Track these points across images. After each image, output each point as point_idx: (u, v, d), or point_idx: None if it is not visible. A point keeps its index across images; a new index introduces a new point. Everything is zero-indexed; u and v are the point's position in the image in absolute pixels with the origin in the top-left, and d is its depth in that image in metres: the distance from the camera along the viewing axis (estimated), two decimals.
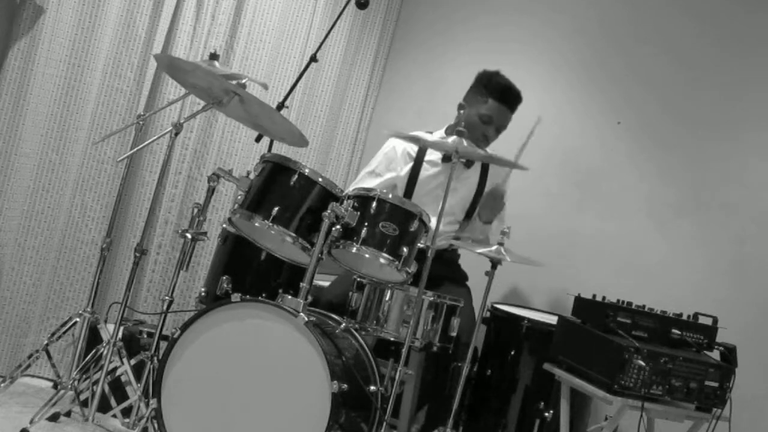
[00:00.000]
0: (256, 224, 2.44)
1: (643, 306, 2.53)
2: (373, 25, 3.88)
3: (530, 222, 3.33)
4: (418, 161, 3.06)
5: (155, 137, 2.58)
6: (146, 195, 3.28)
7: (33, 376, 3.11)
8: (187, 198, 3.42)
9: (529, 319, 2.88)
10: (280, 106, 3.02)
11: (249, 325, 2.31)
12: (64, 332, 2.66)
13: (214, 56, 2.75)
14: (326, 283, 3.02)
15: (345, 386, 2.21)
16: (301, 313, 2.25)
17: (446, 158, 3.01)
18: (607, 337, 2.39)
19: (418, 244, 2.47)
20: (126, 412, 2.58)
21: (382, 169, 3.09)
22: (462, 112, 3.04)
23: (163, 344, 2.45)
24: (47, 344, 2.66)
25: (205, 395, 2.31)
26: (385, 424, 2.32)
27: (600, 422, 2.99)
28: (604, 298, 2.53)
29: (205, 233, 2.60)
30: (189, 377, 2.34)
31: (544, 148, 3.41)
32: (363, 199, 2.47)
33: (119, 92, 3.22)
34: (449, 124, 3.13)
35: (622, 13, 3.43)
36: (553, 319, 2.79)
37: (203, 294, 2.78)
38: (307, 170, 2.47)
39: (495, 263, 2.54)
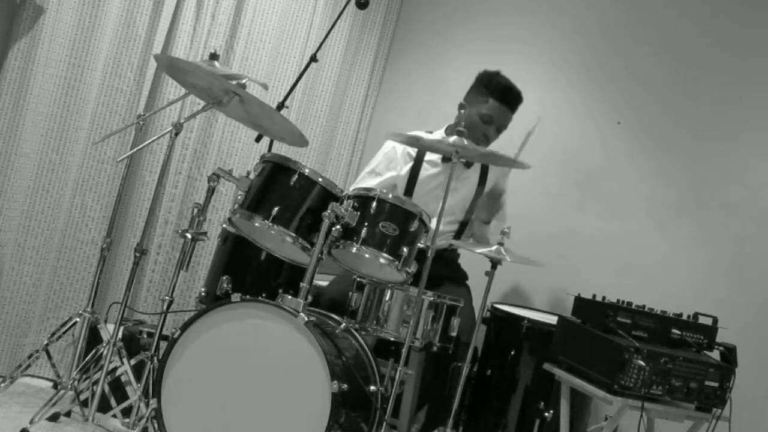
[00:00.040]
0: (256, 224, 2.44)
1: (643, 306, 2.53)
2: (373, 25, 3.88)
3: (530, 222, 3.33)
4: (418, 161, 3.06)
5: (155, 137, 2.58)
6: (146, 195, 3.28)
7: (33, 376, 3.11)
8: (187, 198, 3.42)
9: (529, 319, 2.88)
10: (280, 106, 3.02)
11: (249, 325, 2.31)
12: (64, 332, 2.65)
13: (214, 56, 2.75)
14: (325, 283, 3.02)
15: (345, 386, 2.21)
16: (301, 313, 2.25)
17: (446, 158, 3.01)
18: (607, 337, 2.39)
19: (418, 244, 2.47)
20: (126, 412, 2.58)
21: (382, 168, 3.10)
22: (462, 111, 3.04)
23: (163, 344, 2.45)
24: (47, 344, 2.66)
25: (205, 395, 2.31)
26: (385, 424, 2.32)
27: (600, 422, 2.99)
28: (604, 298, 2.53)
29: (205, 233, 2.60)
30: (189, 377, 2.34)
31: (544, 148, 3.41)
32: (363, 199, 2.47)
33: (119, 92, 3.22)
34: (449, 124, 3.13)
35: (622, 13, 3.43)
36: (553, 319, 2.79)
37: (203, 294, 2.78)
38: (307, 170, 2.47)
39: (495, 263, 2.54)
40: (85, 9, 3.09)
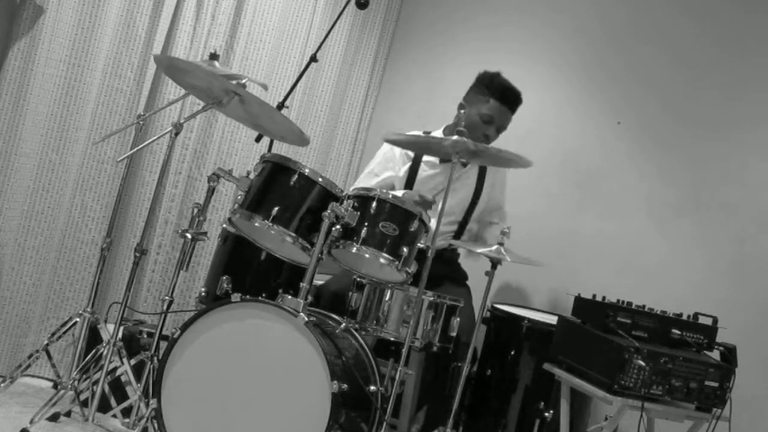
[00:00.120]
0: (256, 224, 2.44)
1: (643, 306, 2.53)
2: (373, 25, 3.88)
3: (530, 222, 3.33)
4: (416, 162, 3.06)
5: (155, 137, 2.58)
6: (146, 195, 3.28)
7: (33, 376, 3.11)
8: (187, 198, 3.42)
9: (529, 319, 2.88)
10: (280, 106, 3.02)
11: (249, 325, 2.31)
12: (64, 332, 2.65)
13: (214, 56, 2.75)
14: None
15: (345, 386, 2.21)
16: (301, 313, 2.25)
17: (444, 159, 3.01)
18: (607, 337, 2.39)
19: (418, 244, 2.47)
20: (126, 412, 2.57)
21: (380, 168, 3.11)
22: (462, 112, 3.04)
23: (163, 344, 2.45)
24: (47, 344, 2.66)
25: (205, 395, 2.31)
26: (385, 424, 2.32)
27: (600, 422, 2.99)
28: (604, 298, 2.53)
29: (205, 233, 2.60)
30: (189, 377, 2.34)
31: (544, 148, 3.42)
32: (363, 199, 2.47)
33: (119, 92, 3.22)
34: (447, 124, 3.13)
35: (622, 13, 3.43)
36: (553, 319, 2.79)
37: (203, 294, 2.78)
38: (307, 170, 2.47)
39: (495, 263, 2.54)
40: (85, 9, 3.09)
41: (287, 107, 3.07)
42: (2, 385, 2.63)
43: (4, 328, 3.08)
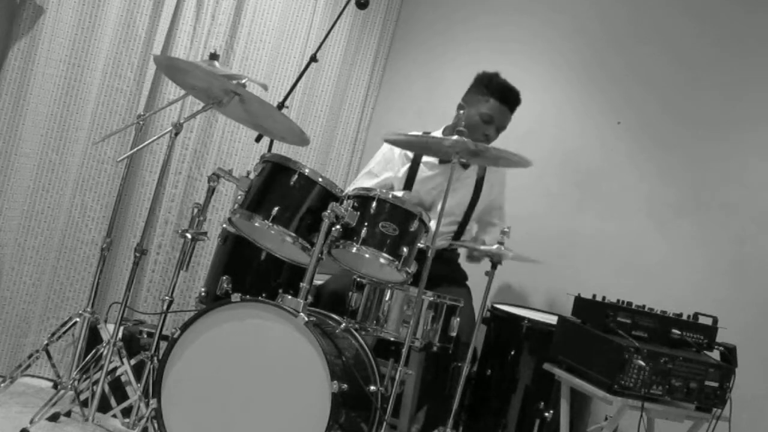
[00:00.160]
0: (256, 224, 2.44)
1: (643, 306, 2.53)
2: (373, 25, 3.88)
3: (530, 222, 3.33)
4: (416, 162, 3.06)
5: (155, 137, 2.57)
6: (146, 195, 3.28)
7: (33, 376, 3.11)
8: (187, 198, 3.42)
9: (529, 319, 2.88)
10: (280, 106, 3.02)
11: (249, 325, 2.31)
12: (64, 332, 2.65)
13: (214, 56, 2.75)
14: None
15: (345, 386, 2.21)
16: (301, 313, 2.25)
17: (444, 160, 3.01)
18: (607, 337, 2.39)
19: (418, 244, 2.47)
20: (126, 412, 2.57)
21: (379, 169, 3.10)
22: (462, 112, 3.03)
23: (163, 344, 2.45)
24: (47, 344, 2.66)
25: (205, 395, 2.31)
26: (385, 424, 2.32)
27: (600, 422, 2.99)
28: (604, 298, 2.53)
29: (205, 233, 2.60)
30: (189, 377, 2.34)
31: (544, 148, 3.42)
32: (363, 199, 2.47)
33: (119, 92, 3.22)
34: (447, 125, 3.13)
35: (622, 13, 3.43)
36: (553, 319, 2.79)
37: (203, 294, 2.78)
38: (307, 170, 2.47)
39: (495, 263, 2.54)
40: (85, 9, 3.09)
41: (287, 107, 3.07)
42: (2, 385, 2.63)
43: (4, 328, 3.08)
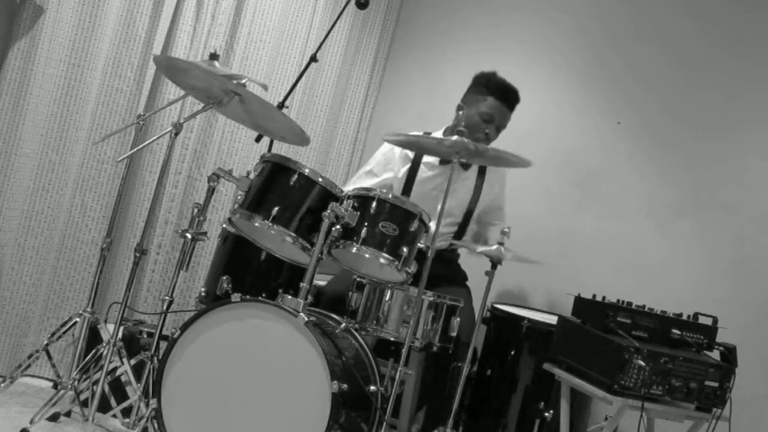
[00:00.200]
0: (256, 224, 2.44)
1: (643, 306, 2.53)
2: (373, 25, 3.88)
3: (530, 222, 3.33)
4: (416, 163, 3.06)
5: (155, 137, 2.57)
6: (146, 195, 3.28)
7: (33, 376, 3.11)
8: (187, 198, 3.42)
9: (529, 319, 2.88)
10: (281, 106, 3.01)
11: (249, 325, 2.31)
12: (64, 332, 2.65)
13: (214, 56, 2.75)
14: (325, 283, 3.02)
15: (345, 386, 2.21)
16: (301, 313, 2.25)
17: (444, 160, 3.01)
18: (607, 337, 2.39)
19: (418, 244, 2.47)
20: (126, 412, 2.58)
21: (379, 169, 3.10)
22: (461, 113, 3.03)
23: (163, 344, 2.45)
24: (47, 344, 2.65)
25: (205, 395, 2.31)
26: (385, 424, 2.32)
27: (600, 422, 2.99)
28: (604, 298, 2.53)
29: (205, 233, 2.60)
30: (189, 377, 2.34)
31: (544, 148, 3.42)
32: (363, 199, 2.47)
33: (119, 92, 3.22)
34: (447, 125, 3.13)
35: (622, 13, 3.43)
36: (553, 319, 2.79)
37: (203, 294, 2.78)
38: (307, 170, 2.47)
39: (495, 263, 2.54)
40: (85, 9, 3.09)
41: (287, 107, 3.07)
42: (2, 385, 2.63)
43: (4, 328, 3.08)
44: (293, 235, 2.43)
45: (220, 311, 2.34)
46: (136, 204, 3.29)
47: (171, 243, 3.39)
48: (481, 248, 2.59)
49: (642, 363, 2.32)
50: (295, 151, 3.57)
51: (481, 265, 2.63)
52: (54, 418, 2.57)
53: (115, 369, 2.56)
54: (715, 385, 2.42)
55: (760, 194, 3.02)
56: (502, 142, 3.01)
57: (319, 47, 3.09)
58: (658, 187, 3.24)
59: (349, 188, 3.02)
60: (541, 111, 3.46)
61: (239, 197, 2.52)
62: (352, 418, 2.31)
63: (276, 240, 2.56)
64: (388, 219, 2.44)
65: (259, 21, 3.50)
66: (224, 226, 2.80)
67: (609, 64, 3.42)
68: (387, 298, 2.55)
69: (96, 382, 2.50)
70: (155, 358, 2.50)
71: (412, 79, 3.90)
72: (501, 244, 2.55)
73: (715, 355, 2.53)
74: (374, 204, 2.45)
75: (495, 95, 2.97)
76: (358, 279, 2.62)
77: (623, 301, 2.51)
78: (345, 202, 2.46)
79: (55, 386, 2.86)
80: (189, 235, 2.54)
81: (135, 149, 2.52)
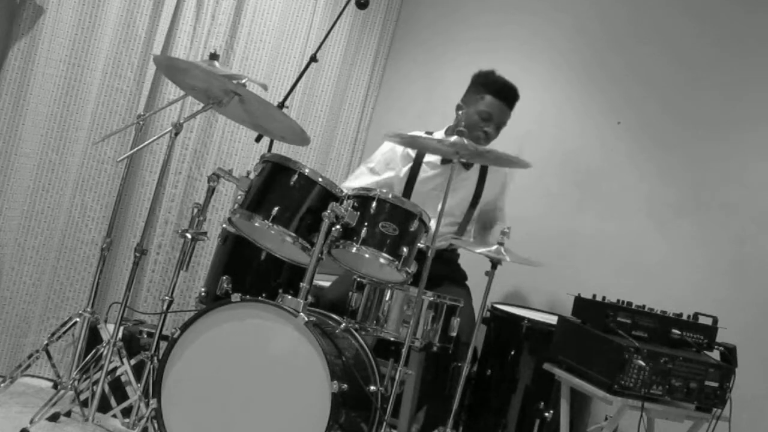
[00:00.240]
0: (256, 224, 2.44)
1: (643, 306, 2.53)
2: (373, 25, 3.88)
3: (530, 222, 3.33)
4: (417, 162, 3.06)
5: (155, 137, 2.58)
6: (146, 195, 3.28)
7: (33, 376, 3.11)
8: (187, 198, 3.42)
9: (529, 319, 2.88)
10: (281, 106, 3.01)
11: (249, 325, 2.31)
12: (64, 332, 2.65)
13: (214, 56, 2.75)
14: (326, 283, 3.02)
15: (345, 386, 2.21)
16: (301, 313, 2.25)
17: (446, 160, 3.01)
18: (607, 337, 2.39)
19: (418, 244, 2.47)
20: (126, 412, 2.58)
21: (380, 168, 3.10)
22: (461, 113, 3.04)
23: (163, 344, 2.45)
24: (47, 344, 2.66)
25: (205, 395, 2.31)
26: (385, 424, 2.32)
27: (600, 422, 2.99)
28: (604, 298, 2.53)
29: (205, 233, 2.60)
30: (189, 377, 2.34)
31: (544, 148, 3.42)
32: (363, 199, 2.47)
33: (119, 92, 3.22)
34: (449, 125, 3.13)
35: (622, 13, 3.43)
36: (553, 319, 2.79)
37: (203, 294, 2.78)
38: (307, 170, 2.47)
39: (495, 263, 2.54)
40: (85, 9, 3.09)
41: (287, 107, 3.07)
42: (2, 385, 2.63)
43: (4, 328, 3.08)
44: (293, 235, 2.43)
45: (220, 311, 2.34)
46: (136, 204, 3.29)
47: (171, 243, 3.39)
48: (480, 249, 2.59)
49: (642, 363, 2.32)
50: (295, 151, 3.57)
51: (481, 265, 2.63)
52: (54, 418, 2.57)
53: (115, 369, 2.56)
54: (715, 385, 2.42)
55: (760, 194, 3.02)
56: (502, 142, 3.02)
57: (319, 47, 3.09)
58: (658, 187, 3.24)
59: (348, 184, 3.03)
60: (541, 111, 3.46)
61: (239, 197, 2.52)
62: (352, 418, 2.31)
63: (276, 240, 2.56)
64: (388, 219, 2.44)
65: (259, 21, 3.50)
66: (224, 226, 2.80)
67: (609, 64, 3.42)
68: (387, 298, 2.55)
69: (96, 382, 2.50)
70: (155, 358, 2.50)
71: (412, 79, 3.90)
72: (501, 244, 2.55)
73: (715, 355, 2.53)
74: (374, 204, 2.45)
75: (493, 93, 2.97)
76: (358, 279, 2.62)
77: (623, 301, 2.51)
78: (345, 202, 2.46)
79: (55, 386, 2.86)
80: (189, 235, 2.55)
81: (135, 149, 2.52)
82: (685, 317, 2.55)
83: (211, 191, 2.59)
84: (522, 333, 2.87)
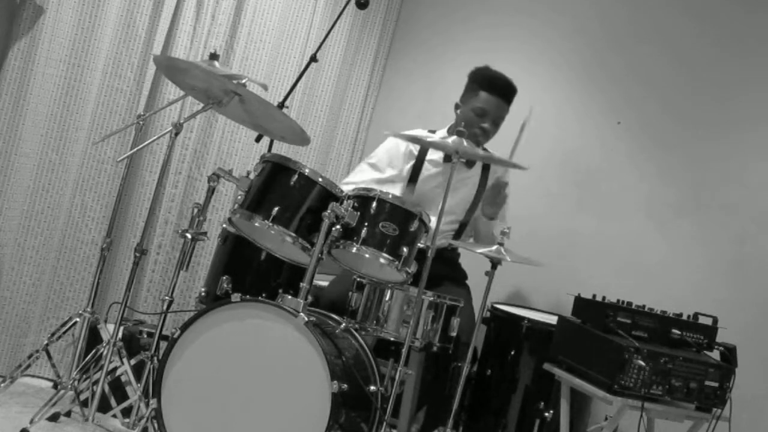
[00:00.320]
0: (256, 224, 2.44)
1: (643, 306, 2.53)
2: (373, 25, 3.88)
3: (530, 222, 3.33)
4: (420, 160, 3.06)
5: (155, 137, 2.58)
6: (146, 195, 3.28)
7: (33, 376, 3.11)
8: (187, 198, 3.42)
9: (529, 319, 2.88)
10: (281, 106, 3.01)
11: (249, 325, 2.31)
12: (64, 332, 2.65)
13: (214, 56, 2.75)
14: (325, 283, 3.02)
15: (345, 386, 2.21)
16: (301, 313, 2.25)
17: (448, 158, 3.01)
18: (607, 337, 2.39)
19: (418, 244, 2.47)
20: (126, 412, 2.58)
21: (383, 165, 3.09)
22: (458, 111, 3.04)
23: (163, 344, 2.45)
24: (47, 344, 2.66)
25: (205, 395, 2.31)
26: (385, 424, 2.32)
27: (600, 422, 2.99)
28: (604, 298, 2.53)
29: (205, 233, 2.60)
30: (189, 377, 2.34)
31: (544, 148, 3.42)
32: (363, 199, 2.47)
33: (119, 92, 3.22)
34: (451, 124, 3.13)
35: (622, 13, 3.43)
36: (553, 319, 2.79)
37: (203, 294, 2.78)
38: (307, 170, 2.47)
39: (495, 263, 2.54)
40: (85, 9, 3.09)
41: (287, 107, 3.07)
42: (2, 385, 2.63)
43: (4, 328, 3.08)
44: (293, 235, 2.43)
45: (220, 311, 2.34)
46: (136, 204, 3.29)
47: (171, 243, 3.39)
48: (480, 249, 2.59)
49: (642, 363, 2.32)
50: (295, 151, 3.57)
51: (481, 265, 2.63)
52: (54, 418, 2.57)
53: (115, 369, 2.56)
54: (715, 385, 2.42)
55: (760, 194, 3.02)
56: (502, 142, 3.02)
57: (319, 47, 3.09)
58: (658, 187, 3.24)
59: (350, 179, 3.03)
60: (541, 111, 3.44)
61: (239, 197, 2.52)
62: (352, 418, 2.31)
63: (276, 240, 2.56)
64: (388, 219, 2.44)
65: (259, 21, 3.50)
66: (224, 226, 2.80)
67: (609, 64, 3.42)
68: (387, 298, 2.55)
69: (96, 382, 2.50)
70: (155, 358, 2.50)
71: (412, 79, 3.90)
72: (501, 244, 2.55)
73: (715, 355, 2.53)
74: (374, 204, 2.45)
75: (487, 89, 2.97)
76: (358, 279, 2.62)
77: (623, 301, 2.51)
78: (345, 202, 2.46)
79: (55, 386, 2.86)
80: (189, 235, 2.55)
81: (135, 149, 2.52)
82: (685, 317, 2.55)
83: (211, 191, 2.59)
84: (522, 333, 2.87)
